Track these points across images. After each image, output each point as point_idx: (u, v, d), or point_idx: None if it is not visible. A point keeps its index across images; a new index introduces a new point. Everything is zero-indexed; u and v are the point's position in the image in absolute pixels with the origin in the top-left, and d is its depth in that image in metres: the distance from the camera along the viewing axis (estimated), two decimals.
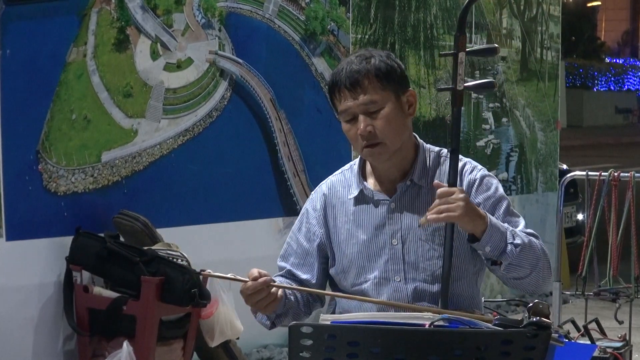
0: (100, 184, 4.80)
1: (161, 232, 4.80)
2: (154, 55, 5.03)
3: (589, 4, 42.72)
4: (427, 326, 2.44)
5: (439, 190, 2.77)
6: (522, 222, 2.92)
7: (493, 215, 2.85)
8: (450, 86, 2.93)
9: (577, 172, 6.14)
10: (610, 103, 35.65)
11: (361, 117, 2.86)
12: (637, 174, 5.45)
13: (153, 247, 4.60)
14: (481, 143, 7.20)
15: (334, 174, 3.09)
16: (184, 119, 5.18)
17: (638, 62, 41.82)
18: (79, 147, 4.71)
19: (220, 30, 5.35)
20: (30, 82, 4.53)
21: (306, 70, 5.80)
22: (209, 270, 2.99)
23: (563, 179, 6.06)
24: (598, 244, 5.52)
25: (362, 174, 3.00)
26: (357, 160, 3.03)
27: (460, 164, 2.94)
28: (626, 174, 5.45)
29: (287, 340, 2.45)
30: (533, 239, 2.84)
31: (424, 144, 3.00)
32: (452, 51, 2.92)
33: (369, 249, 2.94)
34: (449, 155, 2.94)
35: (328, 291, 3.04)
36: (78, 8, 4.70)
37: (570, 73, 34.82)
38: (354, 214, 2.97)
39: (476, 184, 2.93)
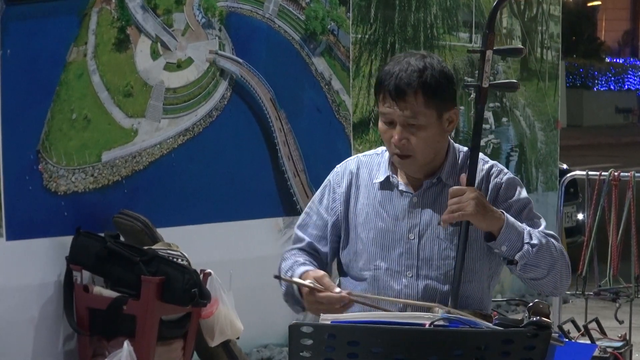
0: (101, 184, 4.80)
1: (161, 231, 4.80)
2: (154, 55, 5.03)
3: (589, 4, 42.71)
4: (427, 326, 2.44)
5: (450, 189, 2.80)
6: (543, 223, 2.92)
7: (517, 218, 2.86)
8: (476, 83, 2.92)
9: (577, 172, 6.13)
10: (611, 103, 35.62)
11: (398, 128, 2.84)
12: (637, 174, 5.45)
13: (153, 247, 4.60)
14: (481, 142, 7.19)
15: (363, 154, 3.08)
16: (184, 118, 5.18)
17: (638, 62, 41.81)
18: (79, 147, 4.71)
19: (220, 30, 5.35)
20: (30, 82, 4.53)
21: (306, 70, 5.80)
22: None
23: (563, 179, 6.05)
24: (598, 244, 5.52)
25: (392, 162, 2.99)
26: None
27: (486, 166, 2.97)
28: (626, 174, 5.45)
29: (287, 339, 2.45)
30: (551, 240, 2.85)
31: (454, 143, 3.01)
32: (479, 49, 2.92)
33: (384, 238, 2.94)
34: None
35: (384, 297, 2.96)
36: (78, 8, 4.70)
37: (571, 73, 34.81)
38: (375, 199, 2.97)
39: (502, 187, 2.94)
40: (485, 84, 2.90)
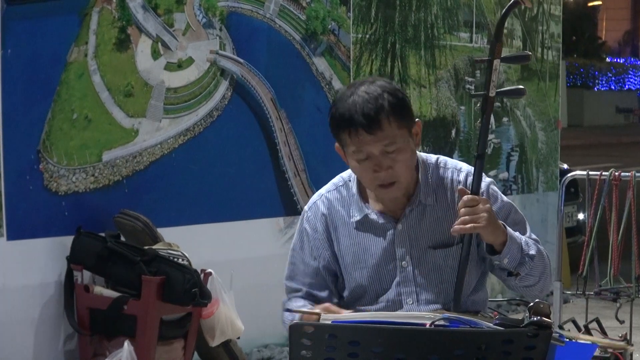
0: (101, 184, 4.80)
1: (162, 231, 4.80)
2: (155, 54, 5.03)
3: (590, 4, 42.73)
4: (427, 326, 2.44)
5: (464, 198, 2.74)
6: (528, 228, 2.91)
7: (504, 222, 2.84)
8: (483, 92, 2.90)
9: (578, 172, 6.13)
10: (611, 103, 35.66)
11: (379, 159, 2.76)
12: (637, 174, 5.45)
13: (154, 247, 4.60)
14: None
15: (327, 189, 2.98)
16: (184, 118, 5.18)
17: (639, 62, 41.83)
18: (80, 147, 4.71)
19: (221, 29, 5.35)
20: (31, 82, 4.53)
21: (307, 70, 5.80)
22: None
23: (564, 179, 6.06)
24: (599, 244, 5.53)
25: (362, 196, 2.92)
26: (353, 177, 2.94)
27: (462, 176, 2.90)
28: (627, 174, 5.46)
29: (287, 339, 2.45)
30: (540, 247, 2.85)
31: (421, 156, 2.93)
32: (485, 57, 2.90)
33: (379, 274, 2.90)
34: (447, 163, 2.92)
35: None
36: (79, 7, 4.70)
37: (571, 72, 34.83)
38: (358, 238, 2.91)
39: (483, 195, 2.87)
40: (492, 93, 2.88)
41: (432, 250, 2.87)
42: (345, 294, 2.96)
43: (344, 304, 2.95)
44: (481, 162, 2.86)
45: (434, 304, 2.86)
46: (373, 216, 2.90)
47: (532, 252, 2.80)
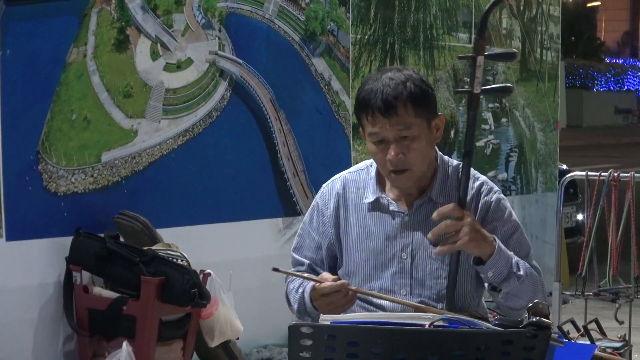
0: (100, 184, 4.80)
1: (161, 232, 4.80)
2: (154, 55, 5.03)
3: (589, 4, 42.76)
4: (427, 326, 2.44)
5: (450, 206, 2.79)
6: (530, 252, 2.92)
7: (506, 240, 2.86)
8: (467, 89, 2.91)
9: (577, 173, 6.14)
10: (610, 103, 35.69)
11: (393, 144, 2.83)
12: (636, 174, 5.46)
13: (153, 248, 4.60)
14: (481, 143, 7.21)
15: (348, 171, 3.07)
16: (183, 119, 5.18)
17: (638, 63, 41.86)
18: (79, 148, 4.71)
19: (220, 30, 5.35)
20: (30, 82, 4.53)
21: (306, 71, 5.80)
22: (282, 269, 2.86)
23: (563, 179, 6.07)
24: (598, 244, 5.53)
25: (379, 180, 2.98)
26: (374, 164, 3.01)
27: (477, 184, 2.95)
28: (626, 174, 5.46)
29: (287, 340, 2.45)
30: (535, 273, 2.86)
31: (443, 157, 2.99)
32: (470, 54, 2.91)
33: (377, 259, 2.94)
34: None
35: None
36: (78, 8, 4.70)
37: (570, 73, 34.86)
38: (366, 220, 2.96)
39: (492, 206, 2.93)
40: (477, 90, 2.90)
41: (433, 248, 2.88)
42: (341, 273, 3.00)
43: None
44: (469, 160, 2.89)
45: (426, 299, 2.89)
46: (384, 201, 2.95)
47: (521, 273, 2.81)
